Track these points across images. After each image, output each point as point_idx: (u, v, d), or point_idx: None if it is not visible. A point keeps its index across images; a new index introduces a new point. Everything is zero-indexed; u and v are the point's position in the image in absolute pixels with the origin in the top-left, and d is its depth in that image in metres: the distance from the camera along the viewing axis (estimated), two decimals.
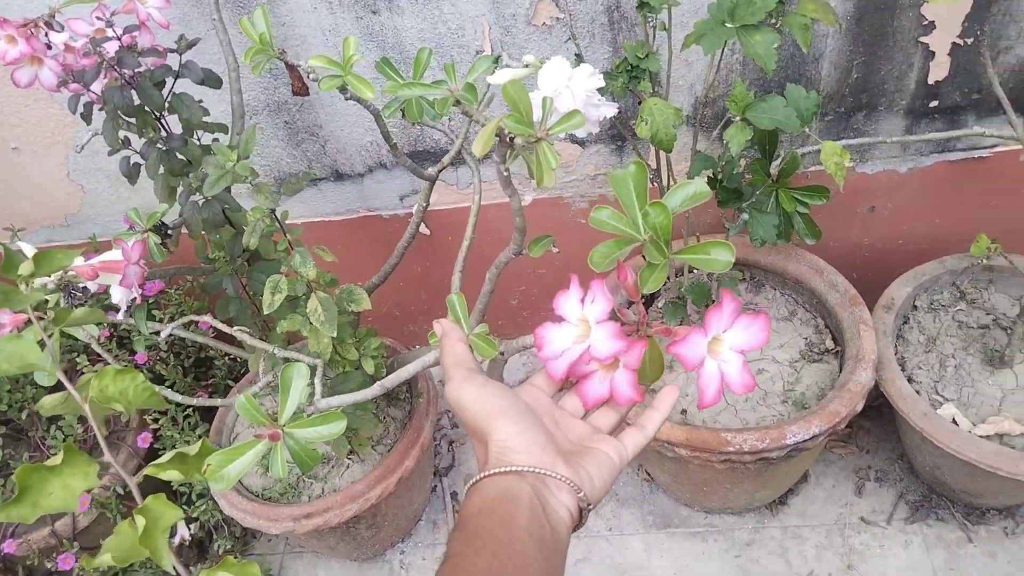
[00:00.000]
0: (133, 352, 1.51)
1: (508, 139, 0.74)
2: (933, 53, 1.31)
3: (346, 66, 0.80)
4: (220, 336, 1.31)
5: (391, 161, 1.53)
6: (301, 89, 0.89)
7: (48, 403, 0.68)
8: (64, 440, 1.35)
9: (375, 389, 0.75)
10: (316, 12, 1.32)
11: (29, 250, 0.77)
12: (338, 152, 1.52)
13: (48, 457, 1.37)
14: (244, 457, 0.61)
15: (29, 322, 0.88)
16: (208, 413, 1.53)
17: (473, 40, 1.34)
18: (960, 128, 1.41)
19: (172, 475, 0.60)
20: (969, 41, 1.29)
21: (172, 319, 1.52)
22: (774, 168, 1.19)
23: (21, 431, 1.40)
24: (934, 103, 1.38)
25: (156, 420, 1.45)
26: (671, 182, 1.27)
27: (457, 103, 0.73)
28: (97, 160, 1.57)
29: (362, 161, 1.54)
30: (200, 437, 1.45)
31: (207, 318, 1.04)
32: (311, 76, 0.82)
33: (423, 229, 1.64)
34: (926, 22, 1.28)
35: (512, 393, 0.57)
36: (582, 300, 0.55)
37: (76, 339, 1.20)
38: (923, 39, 1.30)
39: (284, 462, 0.62)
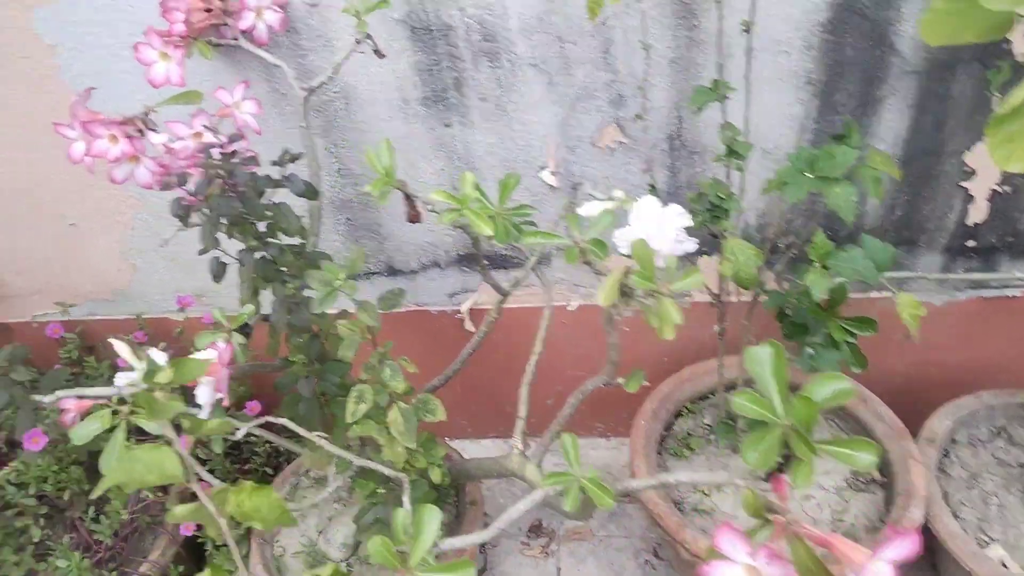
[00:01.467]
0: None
1: (629, 290, 0.78)
2: (972, 197, 1.39)
3: (465, 202, 0.84)
4: (266, 426, 1.32)
5: (446, 261, 1.58)
6: (416, 217, 0.94)
7: (180, 513, 0.70)
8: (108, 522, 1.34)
9: (491, 531, 0.77)
10: (391, 121, 1.38)
11: (160, 356, 0.79)
12: (395, 250, 1.56)
13: (87, 541, 1.36)
14: None
15: (94, 408, 0.89)
16: None
17: (539, 156, 1.41)
18: (994, 268, 1.48)
19: None
20: (1008, 189, 1.37)
21: (228, 409, 1.53)
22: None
23: (60, 511, 1.39)
24: (971, 243, 1.45)
25: None
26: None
27: (582, 252, 0.77)
28: (153, 240, 1.60)
29: (417, 259, 1.58)
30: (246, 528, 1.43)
31: (284, 421, 1.06)
32: (430, 209, 0.87)
33: (469, 326, 1.67)
34: (968, 169, 1.35)
35: None
36: (749, 552, 0.59)
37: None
38: (964, 183, 1.37)
39: None
